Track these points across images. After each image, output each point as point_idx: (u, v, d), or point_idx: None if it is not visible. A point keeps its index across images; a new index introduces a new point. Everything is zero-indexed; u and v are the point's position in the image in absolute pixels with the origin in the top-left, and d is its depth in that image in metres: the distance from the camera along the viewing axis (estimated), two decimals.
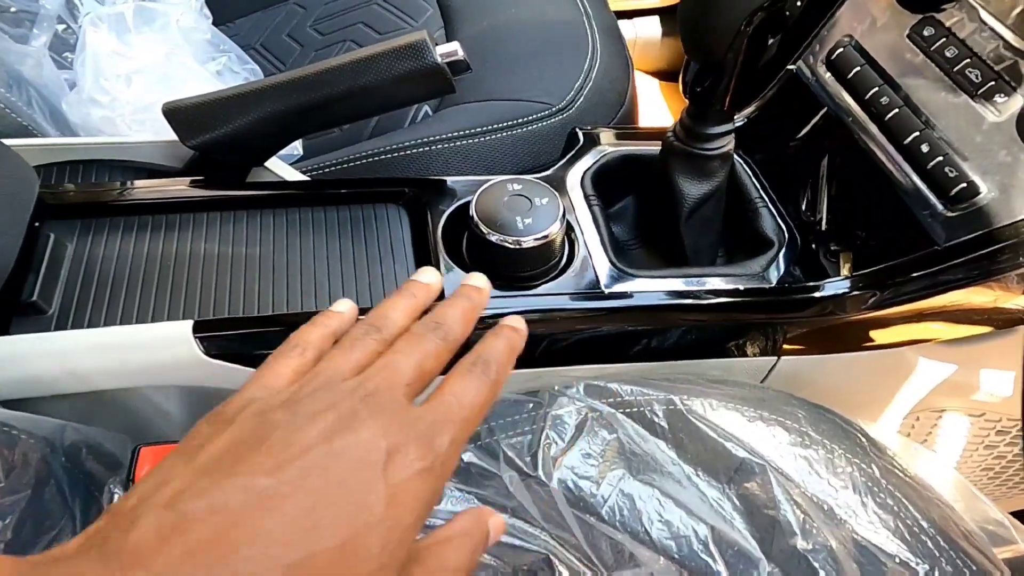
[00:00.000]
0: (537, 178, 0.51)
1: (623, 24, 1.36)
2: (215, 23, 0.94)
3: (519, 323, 0.31)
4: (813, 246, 0.56)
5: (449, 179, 0.53)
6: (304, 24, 0.90)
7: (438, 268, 0.47)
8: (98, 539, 0.20)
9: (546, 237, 0.45)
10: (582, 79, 0.72)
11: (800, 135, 0.60)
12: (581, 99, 0.70)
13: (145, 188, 0.48)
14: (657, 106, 1.34)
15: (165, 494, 0.21)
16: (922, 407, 0.61)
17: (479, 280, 0.32)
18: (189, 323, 0.41)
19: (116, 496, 0.40)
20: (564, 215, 0.47)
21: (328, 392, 0.24)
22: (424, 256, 0.48)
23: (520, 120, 0.66)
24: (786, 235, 0.54)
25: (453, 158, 0.64)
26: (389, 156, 0.63)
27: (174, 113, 0.48)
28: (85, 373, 0.40)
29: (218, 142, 0.48)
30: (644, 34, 1.38)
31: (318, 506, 0.21)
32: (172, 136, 0.49)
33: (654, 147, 0.56)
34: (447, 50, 0.48)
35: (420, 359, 0.26)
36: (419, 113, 0.73)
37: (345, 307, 0.31)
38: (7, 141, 0.49)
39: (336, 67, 0.48)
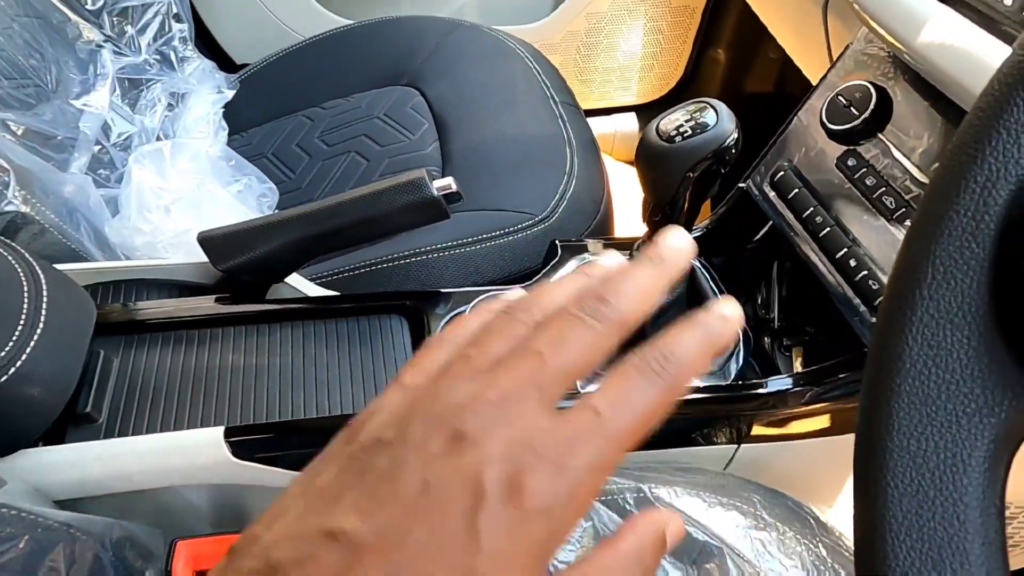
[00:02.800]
0: (522, 287, 0.58)
1: (603, 120, 1.48)
2: (231, 133, 1.04)
3: (733, 309, 0.22)
4: (767, 340, 0.63)
5: (444, 291, 0.60)
6: (312, 135, 1.00)
7: None
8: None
9: None
10: (561, 190, 0.81)
11: (751, 243, 0.68)
12: (561, 209, 0.78)
13: (179, 307, 0.56)
14: (635, 193, 1.45)
15: (266, 540, 0.20)
16: None
17: (679, 239, 0.23)
18: (220, 429, 0.48)
19: None
20: None
21: (441, 401, 0.20)
22: None
23: (506, 230, 0.75)
24: (741, 334, 0.61)
25: (446, 265, 0.72)
26: (390, 265, 0.71)
27: (207, 242, 0.55)
28: (130, 475, 0.47)
29: (244, 266, 0.56)
30: (622, 128, 1.50)
31: (402, 564, 0.17)
32: (204, 258, 0.57)
33: (624, 257, 0.64)
34: (442, 184, 0.57)
35: (574, 347, 0.20)
36: None
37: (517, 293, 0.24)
38: (61, 266, 0.56)
39: (347, 201, 0.56)
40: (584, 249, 0.66)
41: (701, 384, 0.56)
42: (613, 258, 0.25)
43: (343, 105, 1.03)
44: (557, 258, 0.65)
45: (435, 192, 0.56)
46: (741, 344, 0.61)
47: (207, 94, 0.98)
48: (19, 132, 0.71)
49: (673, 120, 0.49)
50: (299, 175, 0.94)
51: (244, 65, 1.11)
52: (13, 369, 0.41)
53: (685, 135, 0.48)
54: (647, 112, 1.51)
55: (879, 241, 0.56)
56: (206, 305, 0.56)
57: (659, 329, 0.60)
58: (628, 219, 1.25)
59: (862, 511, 0.23)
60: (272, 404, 0.51)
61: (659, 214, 0.53)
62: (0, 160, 0.55)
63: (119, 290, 0.59)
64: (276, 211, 0.80)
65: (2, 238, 0.47)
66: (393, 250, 0.73)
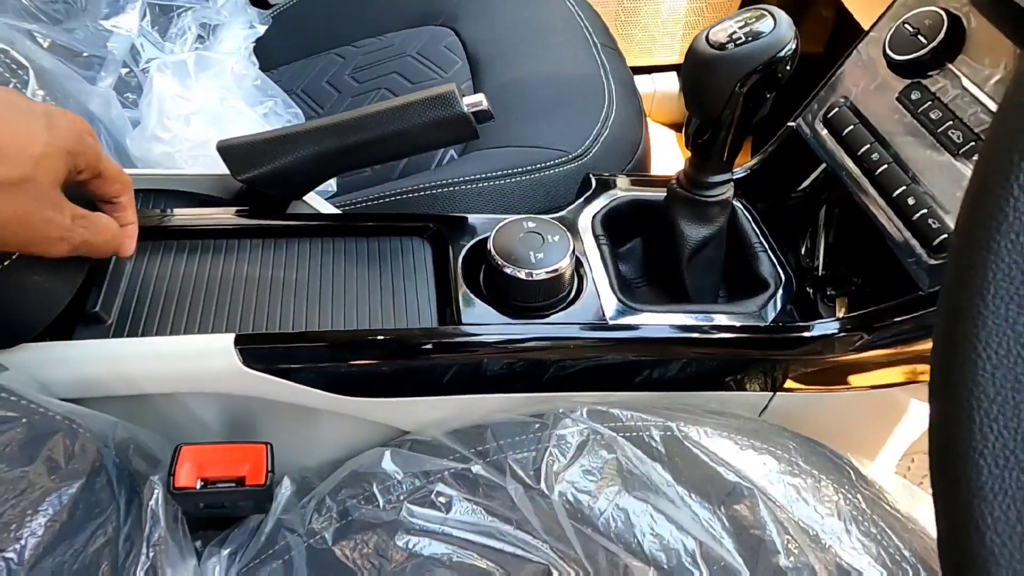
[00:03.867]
0: (551, 218, 0.55)
1: (643, 79, 1.43)
2: (261, 69, 1.02)
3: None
4: (810, 290, 0.59)
5: (470, 216, 0.57)
6: (342, 73, 0.97)
7: (457, 298, 0.51)
8: None
9: (556, 271, 0.50)
10: (598, 128, 0.77)
11: (800, 187, 0.64)
12: (596, 147, 0.75)
13: (197, 216, 0.54)
14: (672, 156, 1.39)
15: None
16: (917, 449, 0.63)
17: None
18: (231, 336, 0.46)
19: (158, 491, 0.44)
20: (573, 251, 0.51)
21: None
22: (444, 285, 0.52)
23: (538, 166, 0.71)
24: (783, 278, 0.57)
25: (474, 199, 0.69)
26: (416, 195, 0.68)
27: (227, 150, 0.53)
28: (135, 378, 0.45)
29: (264, 177, 0.54)
30: (662, 88, 1.45)
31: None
32: (223, 170, 0.55)
33: (661, 193, 0.61)
34: (473, 100, 0.54)
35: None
36: (445, 156, 0.78)
37: None
38: None
39: (372, 113, 0.53)
40: (616, 184, 0.62)
41: (736, 324, 0.53)
42: None
43: (375, 44, 1.01)
44: (590, 191, 0.62)
45: (465, 108, 0.53)
46: (781, 288, 0.57)
47: (238, 28, 0.95)
48: (45, 45, 0.70)
49: (726, 28, 0.45)
50: (327, 111, 0.91)
51: (276, 3, 1.09)
52: (17, 254, 0.39)
53: (738, 42, 0.44)
54: None
55: (942, 178, 0.52)
56: (224, 216, 0.54)
57: (696, 266, 0.56)
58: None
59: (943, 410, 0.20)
60: (286, 317, 0.49)
61: (703, 135, 0.49)
62: (19, 56, 0.53)
63: (137, 200, 0.57)
64: None
65: None
66: (421, 181, 0.70)
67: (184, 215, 0.54)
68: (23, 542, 0.36)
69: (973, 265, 0.19)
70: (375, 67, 0.96)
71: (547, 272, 0.49)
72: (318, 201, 0.58)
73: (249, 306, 0.49)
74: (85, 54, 0.75)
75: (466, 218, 0.57)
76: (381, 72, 0.95)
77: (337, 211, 0.60)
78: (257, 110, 0.67)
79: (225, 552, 0.47)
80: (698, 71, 0.46)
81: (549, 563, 0.43)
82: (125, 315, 0.47)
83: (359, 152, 0.54)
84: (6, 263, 0.39)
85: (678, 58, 1.45)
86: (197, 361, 0.45)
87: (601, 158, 0.75)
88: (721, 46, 0.45)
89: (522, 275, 0.49)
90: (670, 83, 1.45)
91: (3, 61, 0.52)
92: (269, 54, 1.02)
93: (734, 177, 0.54)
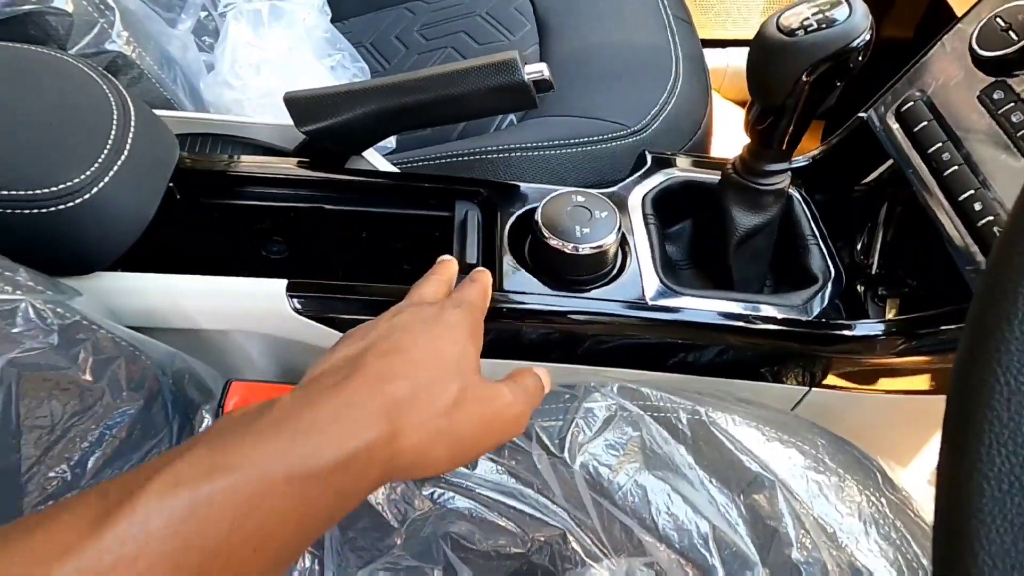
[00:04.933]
0: (600, 193, 0.55)
1: (715, 53, 1.39)
2: (332, 20, 1.03)
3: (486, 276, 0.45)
4: (860, 288, 0.58)
5: (521, 185, 0.58)
6: (412, 28, 0.98)
7: (501, 265, 0.52)
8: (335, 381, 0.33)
9: (600, 247, 0.50)
10: (660, 104, 0.76)
11: (861, 184, 0.62)
12: (657, 123, 0.74)
13: (260, 164, 0.56)
14: (739, 135, 1.36)
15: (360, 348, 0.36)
16: None
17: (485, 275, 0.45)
18: (283, 282, 0.48)
19: (207, 420, 0.47)
20: (619, 228, 0.51)
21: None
22: (490, 251, 0.54)
23: (595, 138, 0.71)
24: (832, 273, 0.56)
25: (528, 166, 0.69)
26: (472, 158, 0.69)
27: (293, 102, 0.55)
28: (193, 313, 0.48)
29: (326, 130, 0.55)
30: (735, 64, 1.40)
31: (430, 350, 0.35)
32: (288, 121, 0.57)
33: (716, 176, 0.60)
34: (534, 69, 0.54)
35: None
36: (504, 121, 0.79)
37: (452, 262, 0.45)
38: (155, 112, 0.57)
39: (434, 75, 0.54)
40: (672, 163, 0.62)
41: (778, 316, 0.52)
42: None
43: (447, 0, 1.01)
44: (644, 168, 0.62)
45: (525, 76, 0.53)
46: (830, 283, 0.56)
47: None
48: None
49: (798, 13, 0.44)
50: (394, 66, 0.92)
51: None
52: (96, 189, 0.42)
53: (809, 29, 0.43)
54: None
55: (1014, 185, 0.50)
56: (285, 167, 0.56)
57: (743, 253, 0.55)
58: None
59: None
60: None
61: (765, 121, 0.48)
62: None
63: (205, 143, 0.60)
64: None
65: (100, 70, 0.47)
66: (478, 144, 0.71)
67: (248, 163, 0.56)
68: (86, 452, 0.40)
69: (1005, 289, 0.19)
70: (443, 24, 0.96)
71: (591, 247, 0.50)
72: (376, 158, 0.59)
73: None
74: None
75: (517, 187, 0.58)
76: (449, 31, 0.95)
77: (394, 169, 0.61)
78: (325, 62, 0.68)
79: None
80: (764, 57, 0.45)
81: (566, 528, 0.45)
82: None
83: (418, 112, 0.55)
84: (86, 197, 0.42)
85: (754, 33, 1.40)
86: (250, 302, 0.48)
87: (661, 134, 0.74)
88: (791, 32, 0.43)
89: (567, 248, 0.50)
90: (743, 59, 1.40)
91: (94, 2, 0.54)
92: (340, 4, 1.03)
93: (793, 166, 0.53)
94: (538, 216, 0.51)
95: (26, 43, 0.51)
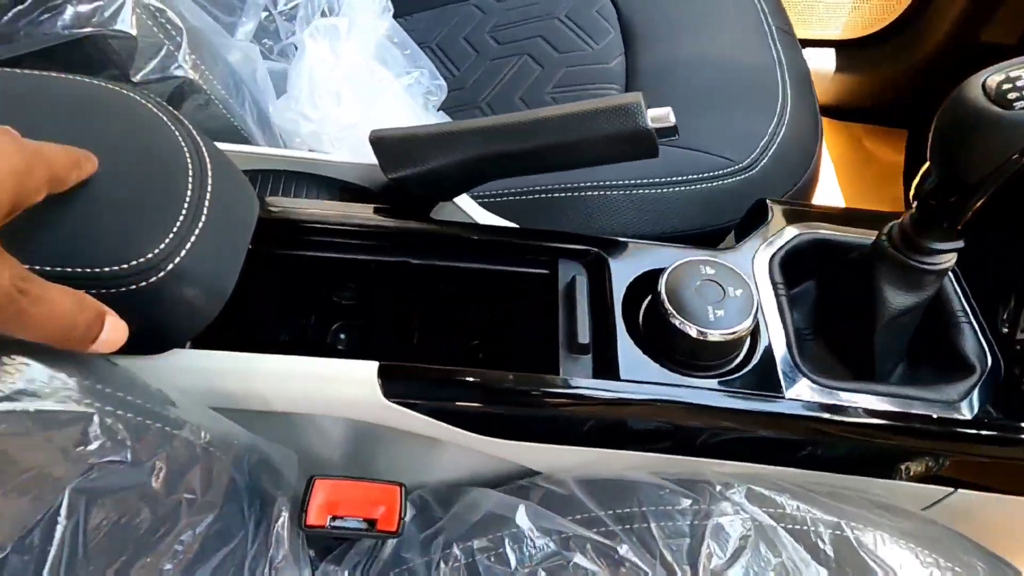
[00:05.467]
0: (727, 260, 0.48)
1: None
2: (395, 15, 0.96)
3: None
4: (1017, 371, 0.51)
5: (631, 242, 0.51)
6: (482, 29, 0.90)
7: (615, 339, 0.46)
8: None
9: (734, 334, 0.43)
10: (769, 135, 0.68)
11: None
12: (766, 158, 0.66)
13: (340, 213, 0.50)
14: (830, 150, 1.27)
15: None
16: None
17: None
18: (374, 365, 0.42)
19: (284, 516, 0.42)
20: (757, 310, 0.44)
21: None
22: (602, 323, 0.47)
23: (699, 176, 0.64)
24: (989, 360, 0.49)
25: (627, 207, 0.62)
26: (563, 195, 0.62)
27: (381, 145, 0.48)
28: (270, 396, 0.42)
29: (416, 177, 0.49)
30: (816, 66, 1.30)
31: None
32: (370, 157, 0.50)
33: (852, 234, 0.52)
34: (659, 115, 0.47)
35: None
36: None
37: None
38: (222, 146, 0.51)
39: (543, 119, 0.47)
40: (810, 216, 0.54)
41: (934, 415, 0.45)
42: None
43: None
44: (767, 221, 0.54)
45: (649, 123, 0.46)
46: (987, 373, 0.48)
47: None
48: None
49: (1010, 76, 0.36)
50: (464, 73, 0.85)
51: None
52: (171, 265, 0.36)
53: None
54: (849, 51, 1.30)
55: None
56: (367, 216, 0.50)
57: (885, 331, 0.47)
58: (823, 185, 1.09)
59: None
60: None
61: (944, 196, 0.41)
62: (175, 17, 0.49)
63: (278, 180, 0.54)
64: (442, 111, 0.72)
65: (170, 109, 0.41)
66: (570, 179, 0.64)
67: (327, 211, 0.50)
68: (162, 574, 0.35)
69: None
70: (518, 27, 0.89)
71: (725, 334, 0.43)
72: (469, 204, 0.52)
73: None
74: None
75: (628, 244, 0.51)
76: (524, 34, 0.87)
77: (487, 214, 0.54)
78: (402, 80, 0.62)
79: (345, 571, 0.46)
80: (965, 128, 0.37)
81: None
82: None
83: (521, 160, 0.48)
84: (160, 275, 0.36)
85: (839, 33, 1.29)
86: (336, 387, 0.42)
87: (770, 170, 0.66)
88: (1005, 101, 0.36)
89: (693, 333, 0.43)
90: (826, 61, 1.30)
91: (160, 23, 0.48)
92: None
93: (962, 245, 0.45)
94: (662, 290, 0.45)
95: (86, 69, 0.45)
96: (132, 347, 0.38)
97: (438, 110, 0.71)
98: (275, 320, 0.55)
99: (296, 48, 0.83)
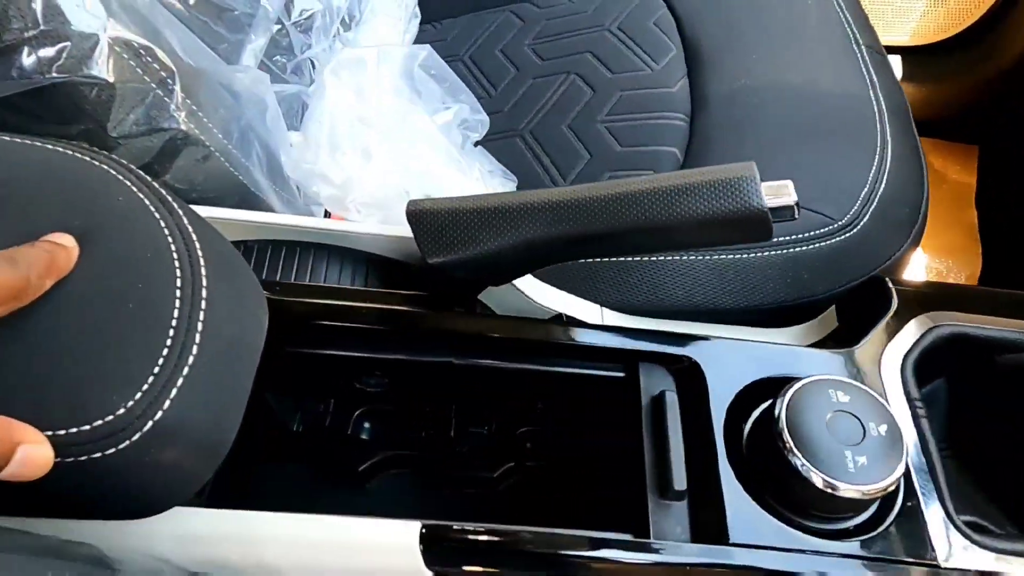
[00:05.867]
0: (859, 379, 0.38)
1: None
2: (423, 22, 0.85)
3: (68, 241, 0.27)
4: None
5: (731, 340, 0.41)
6: (522, 41, 0.79)
7: (718, 483, 0.36)
8: None
9: (884, 490, 0.33)
10: (870, 183, 0.57)
11: None
12: (868, 214, 0.56)
13: (371, 304, 0.40)
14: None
15: None
16: None
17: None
18: (415, 529, 0.32)
19: None
20: (907, 456, 0.34)
21: None
22: (698, 455, 0.37)
23: (793, 237, 0.53)
24: None
25: (706, 274, 0.52)
26: (631, 259, 0.52)
27: (420, 222, 0.38)
28: (281, 565, 0.33)
29: (462, 262, 0.39)
30: None
31: None
32: (402, 224, 0.40)
33: (1009, 328, 0.42)
34: (777, 191, 0.36)
35: None
36: None
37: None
38: (225, 213, 0.42)
39: (627, 195, 0.37)
40: (945, 300, 0.44)
41: None
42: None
43: (564, 5, 0.82)
44: (889, 309, 0.44)
45: (765, 203, 0.36)
46: None
47: None
48: (191, 1, 0.56)
49: None
50: (502, 92, 0.75)
51: None
52: (150, 423, 0.27)
53: None
54: (916, 57, 1.18)
55: None
56: (402, 306, 0.40)
57: None
58: None
59: None
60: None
61: None
62: (165, 57, 0.39)
63: (292, 251, 0.44)
64: (482, 149, 0.61)
65: (154, 186, 0.31)
66: None
67: (353, 301, 0.40)
68: None
69: None
70: (563, 40, 0.78)
71: (867, 491, 0.33)
72: (533, 286, 0.43)
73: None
74: (236, 12, 0.61)
75: (724, 341, 0.41)
76: (571, 49, 0.76)
77: (541, 286, 0.44)
78: (437, 118, 0.51)
79: None
80: None
81: None
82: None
83: (597, 244, 0.38)
84: (134, 437, 0.27)
85: (906, 38, 1.18)
86: (364, 555, 0.33)
87: (871, 229, 0.55)
88: None
89: (820, 484, 0.33)
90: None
91: (145, 64, 0.38)
92: (432, 2, 0.86)
93: None
94: (782, 420, 0.35)
95: (59, 121, 0.35)
96: (101, 514, 0.29)
97: (478, 146, 0.61)
98: (285, 404, 0.45)
99: (313, 65, 0.74)
